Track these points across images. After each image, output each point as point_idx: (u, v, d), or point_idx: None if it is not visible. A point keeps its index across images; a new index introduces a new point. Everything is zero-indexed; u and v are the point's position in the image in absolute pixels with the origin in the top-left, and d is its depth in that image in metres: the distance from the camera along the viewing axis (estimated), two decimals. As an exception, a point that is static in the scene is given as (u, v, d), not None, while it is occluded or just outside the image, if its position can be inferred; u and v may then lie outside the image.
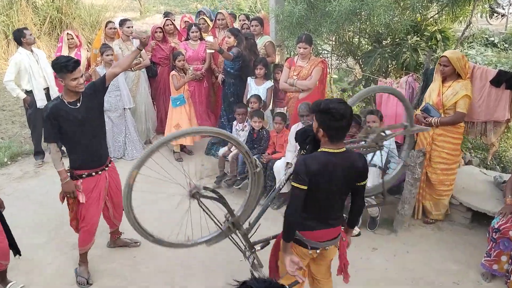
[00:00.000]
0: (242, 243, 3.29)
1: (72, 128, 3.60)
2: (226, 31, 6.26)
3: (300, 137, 2.93)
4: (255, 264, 3.29)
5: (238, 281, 1.24)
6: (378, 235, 4.59)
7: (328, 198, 2.67)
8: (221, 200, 3.11)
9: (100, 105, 3.83)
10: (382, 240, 4.48)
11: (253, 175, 3.19)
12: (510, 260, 3.77)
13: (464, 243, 4.43)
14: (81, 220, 3.84)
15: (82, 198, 3.72)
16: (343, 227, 2.93)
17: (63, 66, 3.45)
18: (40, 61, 5.86)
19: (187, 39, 6.60)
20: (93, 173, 3.77)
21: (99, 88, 3.77)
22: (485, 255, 3.89)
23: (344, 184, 2.66)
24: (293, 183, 2.59)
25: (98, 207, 3.86)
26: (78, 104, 3.61)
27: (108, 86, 3.86)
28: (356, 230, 3.15)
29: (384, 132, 3.49)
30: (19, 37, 5.74)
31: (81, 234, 3.89)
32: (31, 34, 5.80)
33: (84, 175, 3.73)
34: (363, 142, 3.46)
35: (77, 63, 3.50)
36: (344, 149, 2.64)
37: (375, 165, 4.55)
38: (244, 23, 6.83)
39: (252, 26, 6.46)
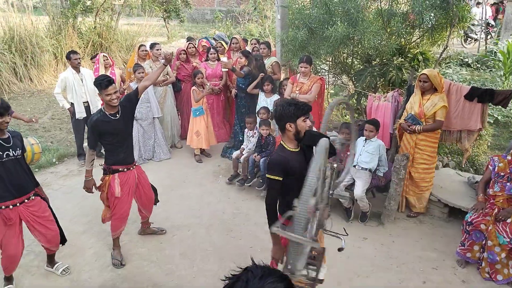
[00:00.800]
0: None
1: (112, 135, 3.68)
2: (239, 53, 6.31)
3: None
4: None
5: (241, 268, 1.24)
6: (368, 226, 4.55)
7: None
8: None
9: (133, 115, 3.90)
10: (371, 231, 4.45)
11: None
12: (481, 249, 3.73)
13: (442, 235, 4.38)
14: (112, 209, 3.87)
15: (117, 191, 3.77)
16: None
17: (99, 84, 3.54)
18: (84, 80, 5.92)
19: (206, 59, 6.64)
20: (125, 169, 3.83)
21: (133, 99, 3.84)
22: (460, 244, 3.85)
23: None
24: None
25: (128, 199, 3.89)
26: (117, 115, 3.69)
27: (140, 98, 3.91)
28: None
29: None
30: (67, 59, 5.86)
31: (112, 221, 3.92)
32: (76, 58, 5.81)
33: (120, 169, 3.80)
34: None
35: (110, 82, 3.54)
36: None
37: (366, 169, 4.53)
38: (255, 46, 6.86)
39: (261, 49, 6.49)
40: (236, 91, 6.30)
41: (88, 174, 3.78)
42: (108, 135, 3.67)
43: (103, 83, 3.51)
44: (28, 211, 3.40)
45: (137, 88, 3.89)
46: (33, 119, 5.08)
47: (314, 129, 5.02)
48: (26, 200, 3.39)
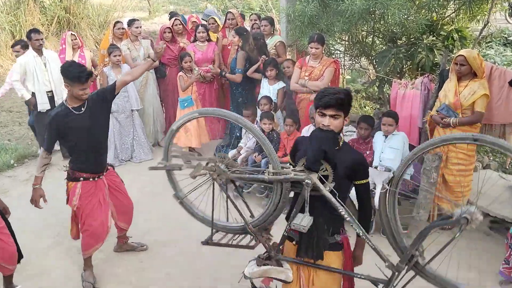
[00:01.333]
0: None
1: (74, 133, 3.64)
2: (233, 31, 6.31)
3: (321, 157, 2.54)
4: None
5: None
6: (392, 241, 4.54)
7: None
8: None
9: (107, 112, 3.88)
10: (396, 246, 4.45)
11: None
12: None
13: (481, 250, 4.38)
14: (81, 224, 3.87)
15: (74, 203, 3.77)
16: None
17: (76, 77, 3.47)
18: (48, 64, 5.92)
19: (194, 40, 6.64)
20: (91, 179, 3.80)
21: (107, 96, 3.81)
22: (503, 262, 3.85)
23: None
24: (367, 180, 2.67)
25: (101, 212, 3.87)
26: (82, 109, 3.65)
27: (117, 94, 3.90)
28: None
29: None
30: (27, 39, 5.87)
31: (84, 238, 3.91)
32: (38, 39, 5.81)
33: (82, 178, 3.77)
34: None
35: (90, 75, 3.55)
36: None
37: (389, 170, 4.54)
38: (255, 23, 6.86)
39: (262, 26, 6.49)
40: (225, 72, 6.30)
41: (37, 181, 3.70)
42: (70, 134, 3.63)
43: (82, 76, 3.47)
44: None
45: (115, 83, 3.86)
46: None
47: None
48: None
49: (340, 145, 2.62)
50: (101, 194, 3.88)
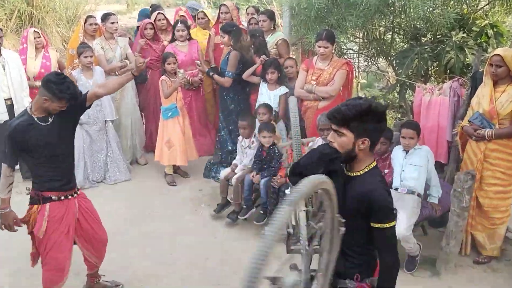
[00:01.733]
0: None
1: (39, 147, 3.65)
2: (219, 29, 6.34)
3: (322, 165, 2.53)
4: None
5: None
6: (418, 277, 4.53)
7: None
8: None
9: (74, 124, 3.92)
10: (423, 284, 4.43)
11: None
12: None
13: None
14: (44, 254, 3.85)
15: (42, 229, 3.74)
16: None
17: (61, 97, 3.52)
18: (7, 67, 5.93)
19: (173, 40, 6.68)
20: (62, 197, 3.81)
21: (76, 107, 3.82)
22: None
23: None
24: (388, 224, 2.47)
25: (68, 241, 3.86)
26: (49, 119, 3.68)
27: (88, 107, 3.93)
28: None
29: None
30: None
31: (45, 272, 3.88)
32: None
33: (53, 197, 3.77)
34: None
35: (75, 96, 3.59)
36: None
37: (413, 192, 4.54)
38: (252, 18, 6.90)
39: (261, 21, 6.54)
40: (213, 73, 6.32)
41: (5, 204, 3.73)
42: (34, 148, 3.64)
43: (73, 98, 3.56)
44: None
45: (86, 94, 3.88)
46: None
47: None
48: None
49: (360, 172, 2.53)
50: (71, 218, 3.87)
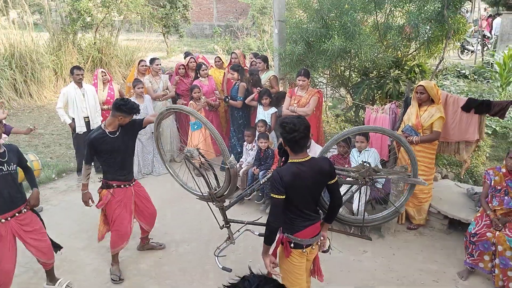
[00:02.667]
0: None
1: (108, 151, 3.75)
2: (229, 68, 6.34)
3: (279, 150, 2.89)
4: (228, 237, 3.58)
5: (239, 277, 1.27)
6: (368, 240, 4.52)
7: (305, 200, 2.66)
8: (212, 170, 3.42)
9: (134, 137, 3.97)
10: (371, 244, 4.43)
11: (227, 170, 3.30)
12: (492, 258, 3.70)
13: (442, 247, 4.36)
14: (111, 224, 3.88)
15: (103, 204, 3.83)
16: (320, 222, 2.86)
17: (131, 112, 3.69)
18: (86, 95, 5.95)
19: (196, 77, 6.64)
20: (122, 186, 3.88)
21: (136, 126, 3.92)
22: (468, 255, 3.81)
23: (316, 186, 2.67)
24: (272, 194, 2.58)
25: (128, 215, 3.90)
26: (117, 133, 3.77)
27: (144, 127, 4.01)
28: (326, 245, 2.94)
29: (376, 169, 3.08)
30: (71, 74, 5.93)
31: (112, 237, 3.92)
32: (79, 74, 5.85)
33: (115, 185, 3.85)
34: (352, 174, 3.13)
35: (138, 109, 3.76)
36: (310, 156, 2.64)
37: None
38: (253, 60, 6.90)
39: (257, 63, 6.52)
40: (228, 98, 6.29)
41: (84, 187, 3.84)
42: (105, 152, 3.73)
43: (137, 110, 3.71)
44: (19, 225, 3.41)
45: (143, 120, 3.97)
46: (31, 127, 5.13)
47: (313, 142, 5.08)
48: (17, 214, 3.40)
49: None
50: (129, 201, 3.92)
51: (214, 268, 4.05)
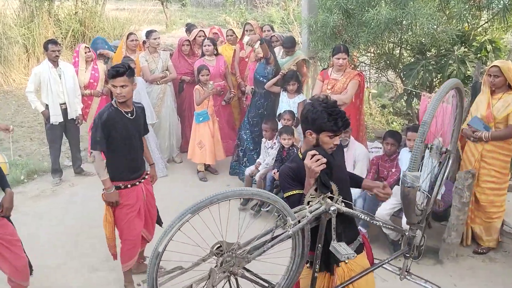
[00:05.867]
0: None
1: (121, 138, 3.79)
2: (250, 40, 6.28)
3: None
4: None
5: None
6: (422, 265, 4.49)
7: None
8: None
9: (145, 126, 4.10)
10: (426, 271, 4.38)
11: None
12: None
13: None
14: (120, 234, 3.98)
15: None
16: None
17: (108, 72, 3.74)
18: (63, 76, 6.04)
19: (202, 55, 6.69)
20: (129, 185, 3.93)
21: (143, 119, 4.05)
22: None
23: None
24: None
25: (140, 220, 4.01)
26: (133, 115, 3.86)
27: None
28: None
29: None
30: (44, 49, 6.04)
31: (123, 249, 3.99)
32: (54, 50, 5.95)
33: (122, 186, 3.89)
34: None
35: (118, 73, 3.64)
36: None
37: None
38: (272, 36, 6.78)
39: (274, 41, 6.48)
40: (252, 87, 6.33)
41: (108, 184, 3.78)
42: (119, 136, 3.77)
43: (111, 71, 3.66)
44: None
45: (148, 127, 4.23)
46: (8, 127, 5.30)
47: (352, 139, 5.07)
48: None
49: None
50: (141, 202, 4.01)
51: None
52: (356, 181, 3.06)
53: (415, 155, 2.52)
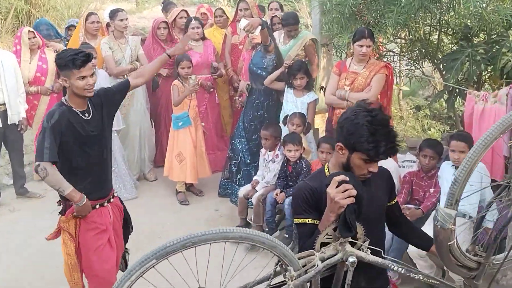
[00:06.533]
0: None
1: (77, 145, 3.74)
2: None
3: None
4: None
5: None
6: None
7: None
8: None
9: (111, 120, 4.03)
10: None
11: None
12: None
13: None
14: (87, 270, 3.94)
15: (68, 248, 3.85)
16: None
17: (69, 61, 3.58)
18: (2, 69, 6.01)
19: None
20: (97, 205, 3.89)
21: (113, 99, 3.97)
22: None
23: None
24: None
25: (112, 251, 3.96)
26: (89, 114, 3.80)
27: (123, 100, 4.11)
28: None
29: None
30: None
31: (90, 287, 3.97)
32: None
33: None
34: None
35: (88, 56, 3.63)
36: None
37: (464, 215, 4.47)
38: (275, 16, 6.77)
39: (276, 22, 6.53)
40: (248, 83, 6.33)
41: (76, 195, 3.68)
42: (75, 144, 3.72)
43: (77, 58, 3.57)
44: None
45: (127, 81, 4.06)
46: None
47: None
48: None
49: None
50: (109, 228, 3.96)
51: None
52: (422, 241, 3.02)
53: (454, 188, 2.48)
